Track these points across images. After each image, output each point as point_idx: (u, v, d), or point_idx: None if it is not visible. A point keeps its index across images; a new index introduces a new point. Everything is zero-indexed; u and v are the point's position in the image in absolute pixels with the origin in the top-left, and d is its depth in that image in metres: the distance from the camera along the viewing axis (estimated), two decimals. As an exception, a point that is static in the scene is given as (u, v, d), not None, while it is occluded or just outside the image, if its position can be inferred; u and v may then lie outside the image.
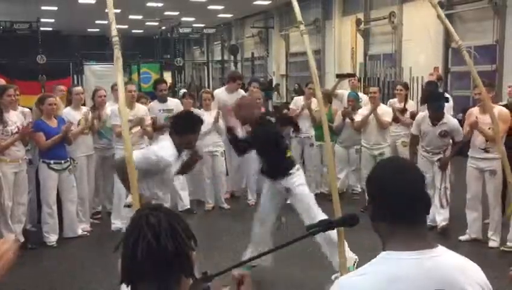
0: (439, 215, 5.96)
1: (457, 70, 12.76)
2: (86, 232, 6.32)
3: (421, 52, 13.54)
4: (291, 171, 4.57)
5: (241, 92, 7.79)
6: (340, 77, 8.60)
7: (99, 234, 6.40)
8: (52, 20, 22.84)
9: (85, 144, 6.42)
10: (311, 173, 7.71)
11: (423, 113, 6.15)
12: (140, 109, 6.62)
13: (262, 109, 7.55)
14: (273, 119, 5.95)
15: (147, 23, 24.35)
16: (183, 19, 21.49)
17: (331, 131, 5.76)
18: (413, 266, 1.45)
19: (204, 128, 6.94)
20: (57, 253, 5.77)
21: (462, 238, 5.83)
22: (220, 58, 23.59)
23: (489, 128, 5.32)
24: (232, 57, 22.18)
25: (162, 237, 1.36)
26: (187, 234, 1.43)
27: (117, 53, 3.54)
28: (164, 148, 3.86)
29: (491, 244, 5.62)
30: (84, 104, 6.97)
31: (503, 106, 5.93)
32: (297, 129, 6.97)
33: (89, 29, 26.80)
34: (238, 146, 4.79)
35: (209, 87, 18.03)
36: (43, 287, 4.94)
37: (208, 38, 22.94)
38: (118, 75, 3.57)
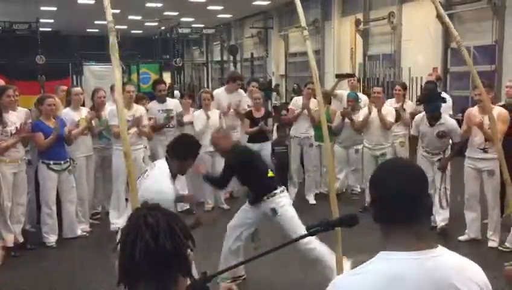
0: (438, 216, 5.97)
1: (456, 71, 12.77)
2: (85, 233, 6.32)
3: (420, 52, 13.55)
4: (275, 192, 4.48)
5: (241, 92, 7.80)
6: (340, 77, 8.61)
7: (98, 234, 6.40)
8: (52, 21, 22.85)
9: (84, 144, 6.42)
10: (311, 173, 7.72)
11: (421, 114, 6.16)
12: (139, 110, 6.62)
13: (262, 110, 7.58)
14: (247, 145, 6.26)
15: (146, 24, 24.36)
16: (183, 19, 21.49)
17: (330, 131, 5.77)
18: (412, 266, 1.45)
19: (203, 127, 7.06)
20: (56, 253, 5.77)
21: (461, 238, 5.84)
22: (219, 58, 23.59)
23: (488, 129, 5.32)
24: (231, 58, 22.19)
25: (161, 237, 1.36)
26: (185, 234, 1.43)
27: (112, 40, 3.27)
28: (160, 182, 3.65)
29: (491, 244, 5.63)
30: (83, 105, 6.97)
31: (501, 106, 5.93)
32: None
33: (88, 30, 26.81)
34: (218, 182, 4.88)
35: (208, 87, 18.02)
36: (42, 287, 4.94)
37: (207, 38, 22.94)
38: (113, 61, 3.25)
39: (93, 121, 6.48)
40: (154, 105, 7.25)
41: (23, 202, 5.75)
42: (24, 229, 5.92)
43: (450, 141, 6.03)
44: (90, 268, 5.27)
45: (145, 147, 6.68)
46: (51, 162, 5.85)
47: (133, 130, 6.31)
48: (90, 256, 5.62)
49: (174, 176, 3.84)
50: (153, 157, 6.67)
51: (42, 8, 19.16)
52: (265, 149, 7.35)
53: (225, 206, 7.44)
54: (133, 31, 26.87)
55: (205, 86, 20.05)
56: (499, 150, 4.61)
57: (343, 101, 7.81)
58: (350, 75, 9.07)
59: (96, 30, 25.81)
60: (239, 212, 4.75)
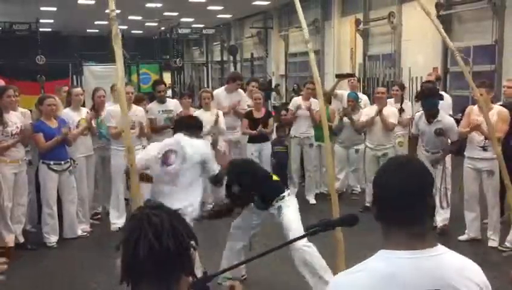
0: (439, 216, 5.95)
1: (456, 71, 12.75)
2: (85, 233, 6.32)
3: (420, 52, 13.53)
4: (283, 195, 4.44)
5: (241, 92, 7.79)
6: (340, 77, 8.60)
7: (99, 234, 6.40)
8: (52, 21, 22.84)
9: (84, 144, 6.42)
10: (311, 173, 7.72)
11: (420, 112, 6.16)
12: (137, 110, 6.61)
13: (263, 110, 7.58)
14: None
15: (146, 24, 24.36)
16: (183, 19, 21.50)
17: (330, 131, 5.77)
18: (411, 265, 1.44)
19: (204, 128, 7.04)
20: (56, 254, 5.78)
21: (461, 238, 5.84)
22: (219, 58, 23.61)
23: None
24: (231, 58, 22.19)
25: (164, 237, 1.36)
26: (188, 234, 1.43)
27: (115, 30, 3.18)
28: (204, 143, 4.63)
29: (491, 244, 5.63)
30: (83, 105, 6.98)
31: (500, 106, 5.92)
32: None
33: (88, 30, 26.80)
34: (239, 198, 4.59)
35: (208, 87, 18.02)
36: (43, 287, 4.94)
37: (207, 38, 22.96)
38: (116, 51, 3.14)
39: (93, 121, 6.48)
40: (154, 106, 7.24)
41: (23, 202, 5.76)
42: (25, 229, 5.92)
43: (449, 141, 6.02)
44: (90, 268, 5.28)
45: (144, 147, 6.67)
46: (52, 162, 5.85)
47: (132, 130, 6.30)
48: (91, 256, 5.62)
49: None
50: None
51: (42, 8, 19.15)
52: (265, 149, 7.36)
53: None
54: (133, 32, 26.86)
55: (205, 86, 20.06)
56: (498, 153, 4.61)
57: (343, 101, 7.81)
58: (350, 75, 9.07)
59: (96, 30, 25.82)
60: (244, 212, 4.69)
